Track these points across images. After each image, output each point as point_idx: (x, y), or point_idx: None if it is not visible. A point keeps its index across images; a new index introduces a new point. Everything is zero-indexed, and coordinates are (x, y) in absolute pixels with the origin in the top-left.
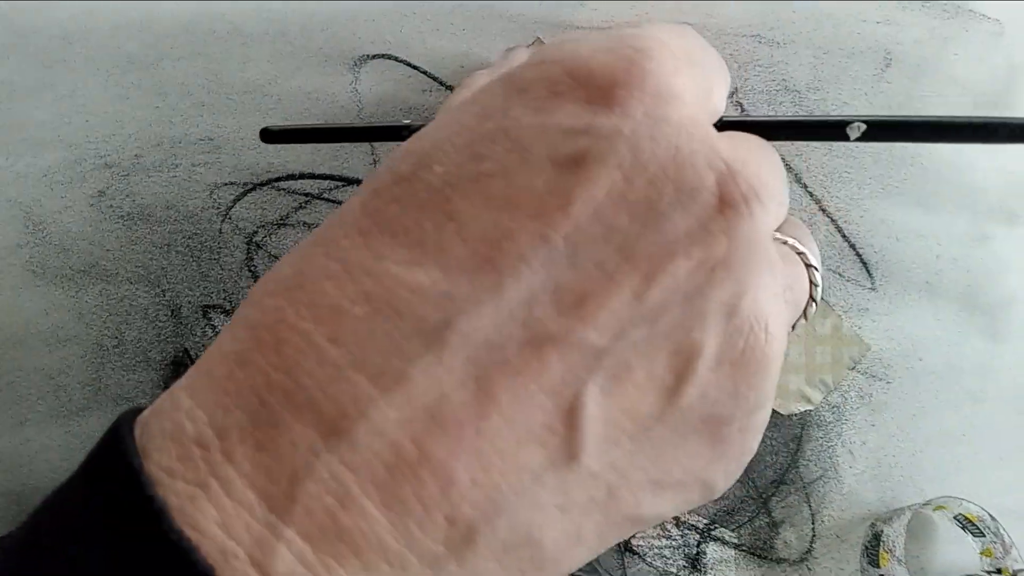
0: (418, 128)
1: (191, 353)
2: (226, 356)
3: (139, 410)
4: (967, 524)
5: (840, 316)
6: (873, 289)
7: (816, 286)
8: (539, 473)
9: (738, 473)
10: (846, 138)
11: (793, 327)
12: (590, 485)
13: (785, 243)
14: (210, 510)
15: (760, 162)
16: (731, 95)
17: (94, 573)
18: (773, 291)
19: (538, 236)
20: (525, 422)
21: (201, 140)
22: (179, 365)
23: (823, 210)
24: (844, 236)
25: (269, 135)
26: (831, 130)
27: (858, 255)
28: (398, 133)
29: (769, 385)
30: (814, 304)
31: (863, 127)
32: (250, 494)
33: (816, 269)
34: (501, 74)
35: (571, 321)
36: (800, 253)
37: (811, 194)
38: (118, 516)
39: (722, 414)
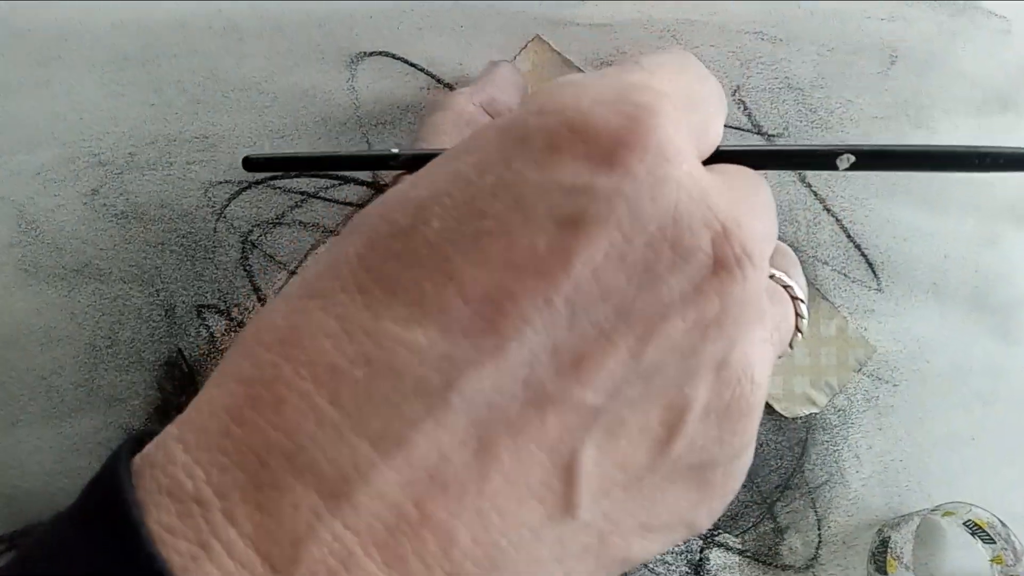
0: (407, 157)
1: (185, 353)
2: (221, 410)
3: (133, 446)
4: (977, 530)
5: (845, 317)
6: (879, 290)
7: (803, 318)
8: (537, 528)
9: (720, 512)
10: (835, 168)
11: (779, 356)
12: (583, 534)
13: (772, 276)
14: (213, 571)
15: (753, 212)
16: (733, 93)
17: None
18: (761, 340)
19: (540, 298)
20: (525, 480)
21: (196, 138)
22: (173, 366)
23: (828, 210)
24: (849, 236)
25: (251, 164)
26: (821, 160)
27: (863, 255)
28: (385, 162)
29: (752, 430)
30: (800, 334)
31: (852, 158)
32: (253, 555)
33: (802, 301)
34: (498, 122)
35: (569, 382)
36: (787, 287)
37: (815, 194)
38: (118, 572)
39: (708, 461)
